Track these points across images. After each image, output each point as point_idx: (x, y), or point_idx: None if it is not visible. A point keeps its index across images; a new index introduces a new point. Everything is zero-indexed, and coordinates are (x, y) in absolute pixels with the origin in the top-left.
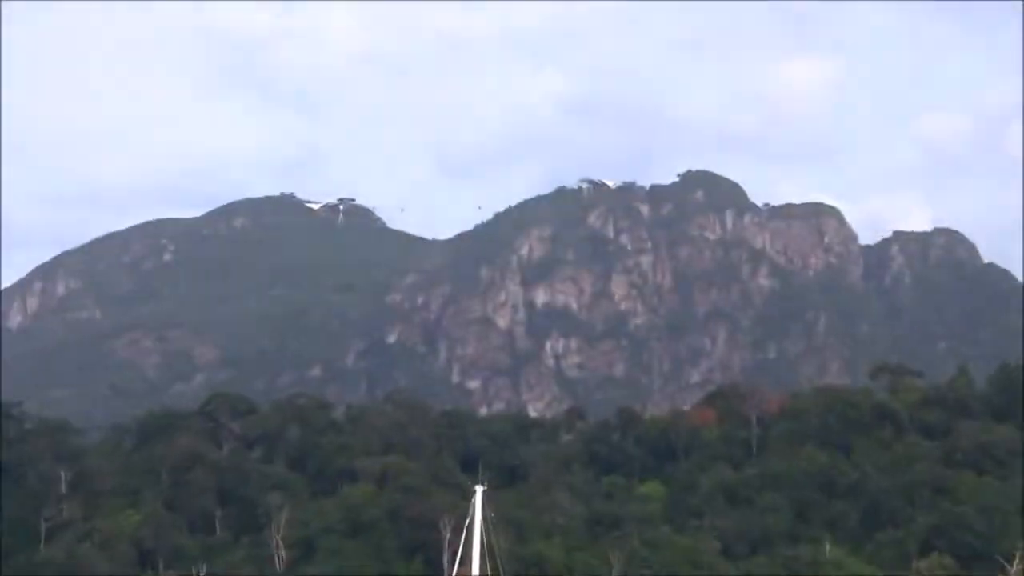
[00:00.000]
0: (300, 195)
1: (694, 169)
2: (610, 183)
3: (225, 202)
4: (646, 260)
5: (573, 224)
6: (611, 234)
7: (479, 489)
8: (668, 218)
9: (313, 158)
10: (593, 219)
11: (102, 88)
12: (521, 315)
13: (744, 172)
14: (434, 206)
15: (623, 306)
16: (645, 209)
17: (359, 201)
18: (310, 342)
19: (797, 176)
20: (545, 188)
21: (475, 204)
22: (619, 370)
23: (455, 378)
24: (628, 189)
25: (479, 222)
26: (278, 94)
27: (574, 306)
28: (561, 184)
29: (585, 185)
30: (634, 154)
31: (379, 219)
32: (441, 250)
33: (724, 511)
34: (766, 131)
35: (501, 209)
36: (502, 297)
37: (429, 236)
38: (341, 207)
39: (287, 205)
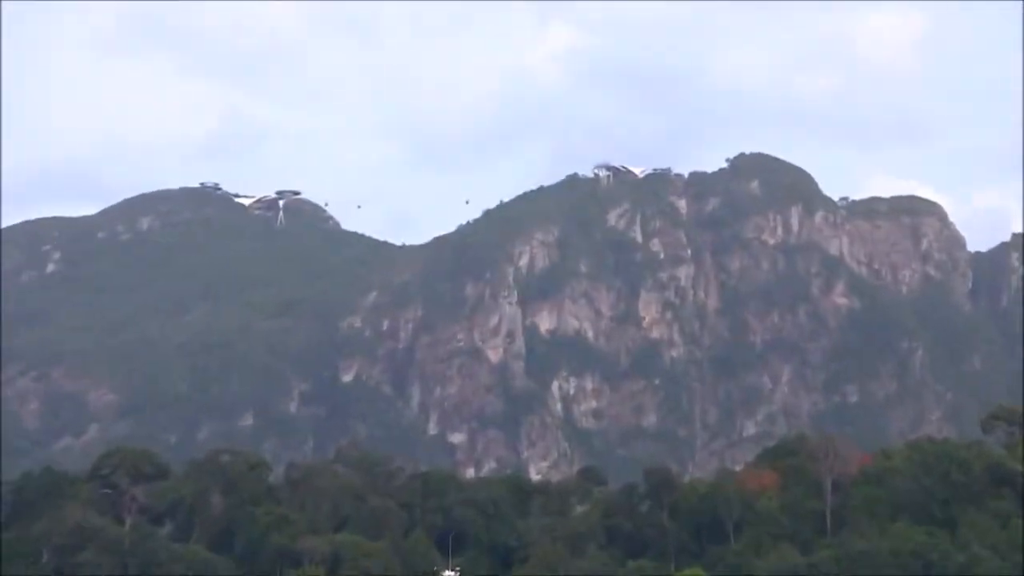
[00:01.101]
0: (228, 187)
1: (748, 152)
2: (636, 170)
3: (127, 196)
4: (685, 272)
5: (588, 225)
6: (638, 237)
7: None
8: (714, 216)
9: (246, 140)
10: (614, 218)
11: None
12: (519, 345)
13: (814, 155)
14: (405, 202)
15: (654, 333)
16: (683, 204)
17: (305, 195)
18: (239, 381)
19: (885, 161)
20: (550, 177)
21: (459, 199)
22: (649, 419)
23: (432, 429)
24: (661, 178)
25: (463, 222)
26: (200, 58)
27: (589, 333)
28: (572, 172)
29: (603, 173)
30: (668, 132)
31: (331, 218)
32: (413, 259)
33: None
34: (842, 102)
35: (492, 205)
36: (494, 321)
37: (397, 241)
38: (281, 203)
39: (210, 200)
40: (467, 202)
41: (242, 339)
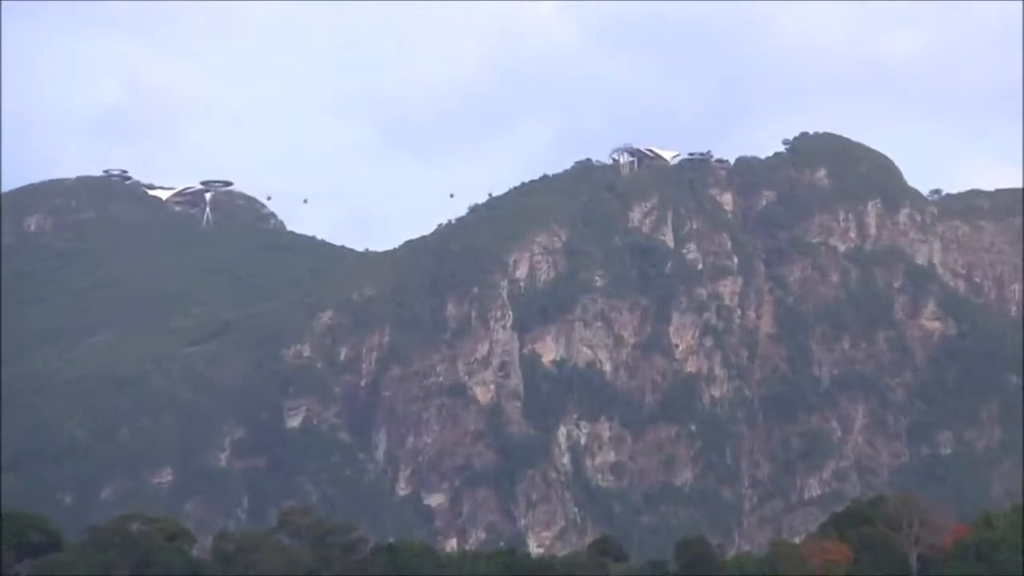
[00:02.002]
0: (139, 176)
1: (812, 132)
2: (667, 155)
3: (9, 187)
4: (730, 287)
5: (604, 225)
6: (669, 241)
7: None
8: (767, 215)
9: (161, 115)
10: (638, 217)
11: None
12: (515, 381)
13: (898, 137)
14: (368, 196)
15: (690, 366)
16: (727, 199)
17: (239, 187)
18: (154, 426)
19: (989, 145)
20: (556, 165)
21: (439, 192)
22: (683, 476)
23: (403, 488)
24: (699, 165)
25: (444, 222)
26: (98, 9)
27: (606, 366)
28: (583, 157)
29: (624, 159)
30: (708, 105)
31: (273, 217)
32: (379, 269)
33: None
34: (935, 70)
35: (481, 200)
36: (483, 350)
37: (359, 246)
38: (208, 196)
39: (116, 192)
40: (451, 196)
41: (157, 372)
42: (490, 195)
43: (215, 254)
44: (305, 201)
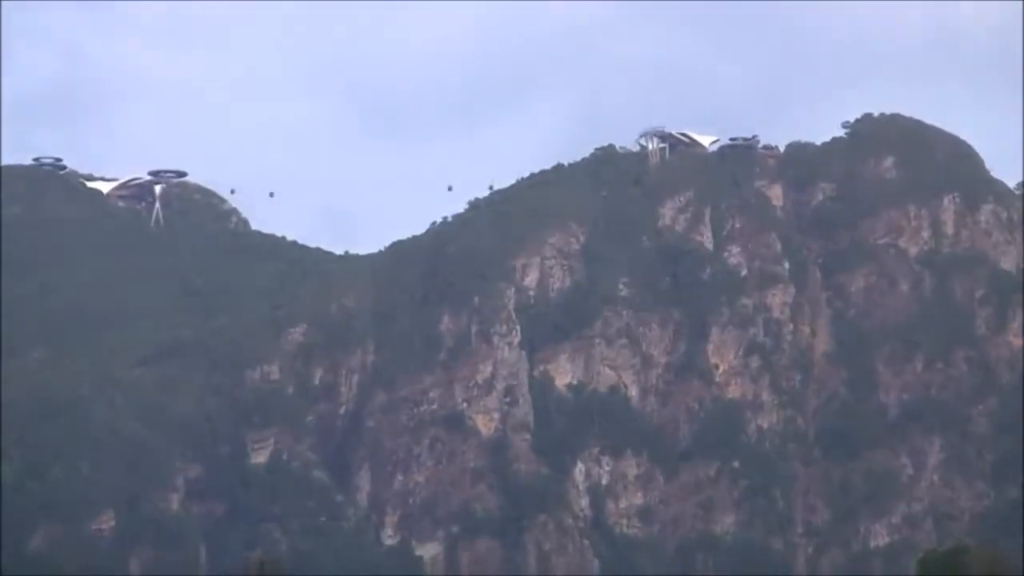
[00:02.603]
0: (75, 165)
1: (877, 113)
2: (705, 140)
3: None
4: (779, 297)
5: (630, 224)
6: (707, 243)
7: None
8: (824, 212)
9: (100, 94)
10: (670, 214)
11: None
12: (524, 409)
13: (980, 119)
14: (348, 190)
15: (732, 391)
16: (777, 193)
17: (194, 178)
18: (94, 463)
19: None
20: (572, 152)
21: (433, 185)
22: (724, 521)
23: (389, 537)
24: (742, 153)
25: (438, 220)
26: None
27: (632, 391)
28: (605, 143)
29: (654, 144)
30: (753, 81)
31: (235, 214)
32: (361, 277)
33: None
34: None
35: (483, 193)
36: (485, 372)
37: (337, 248)
38: (159, 189)
39: (49, 184)
40: (449, 189)
41: (99, 400)
42: (491, 188)
43: (166, 258)
44: (271, 195)
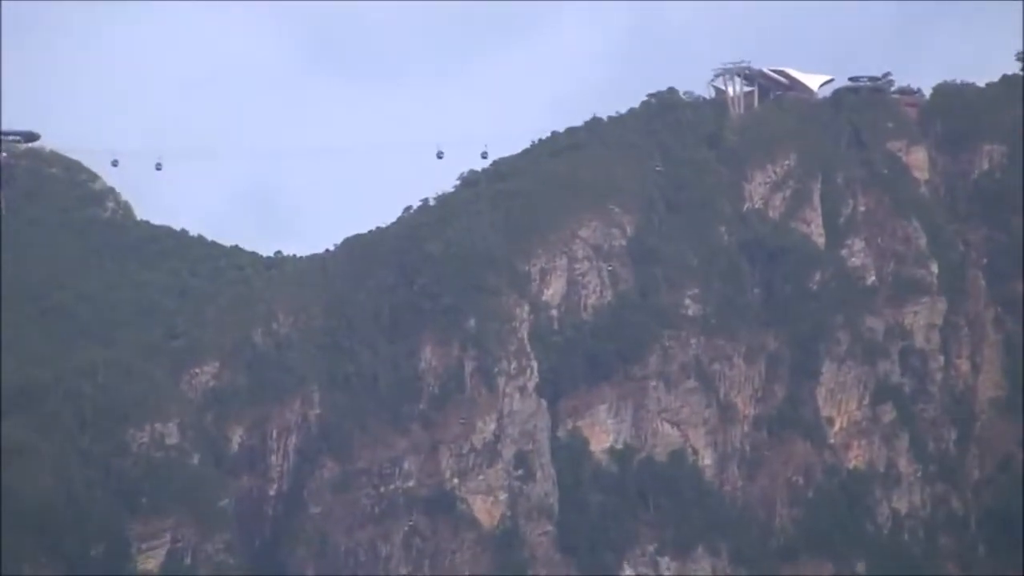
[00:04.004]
0: None
1: None
2: (811, 81)
3: None
4: (925, 315)
5: (699, 205)
6: (815, 234)
7: None
8: (992, 185)
9: None
10: (761, 190)
11: None
12: (544, 486)
13: None
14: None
15: (855, 457)
16: (920, 158)
17: (50, 142)
18: None
19: None
20: (614, 98)
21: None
22: None
23: None
24: (868, 98)
25: (414, 205)
26: None
27: (706, 459)
28: (663, 86)
29: (735, 88)
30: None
31: (110, 195)
32: (302, 289)
33: None
34: None
35: (482, 164)
36: (486, 430)
37: (265, 247)
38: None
39: None
40: (439, 156)
41: None
42: (485, 154)
43: (8, 262)
44: (159, 166)
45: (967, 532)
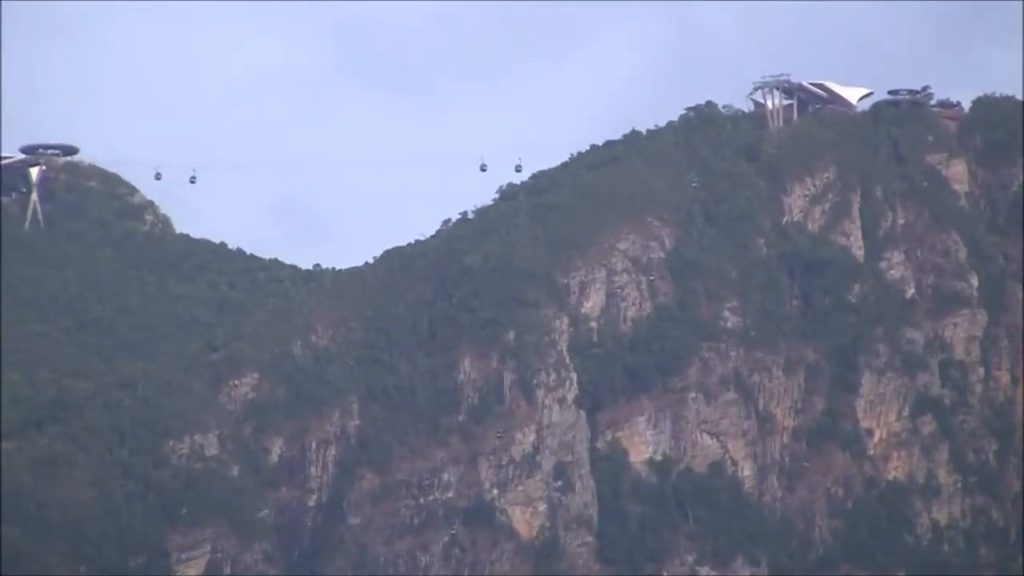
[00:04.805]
0: None
1: None
2: (850, 94)
3: None
4: (965, 327)
5: (738, 219)
6: (855, 247)
7: None
8: None
9: None
10: (800, 203)
11: None
12: (583, 497)
13: None
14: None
15: (895, 468)
16: (959, 171)
17: (88, 156)
18: None
19: None
20: (653, 111)
21: (447, 164)
22: None
23: None
24: (907, 112)
25: (452, 218)
26: None
27: (745, 470)
28: (702, 100)
29: (774, 101)
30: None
31: (150, 208)
32: (341, 301)
33: None
34: None
35: (521, 177)
36: (525, 442)
37: (305, 260)
38: (35, 173)
39: None
40: (483, 168)
41: None
42: (519, 168)
43: (47, 276)
44: (193, 179)
45: (1007, 543)
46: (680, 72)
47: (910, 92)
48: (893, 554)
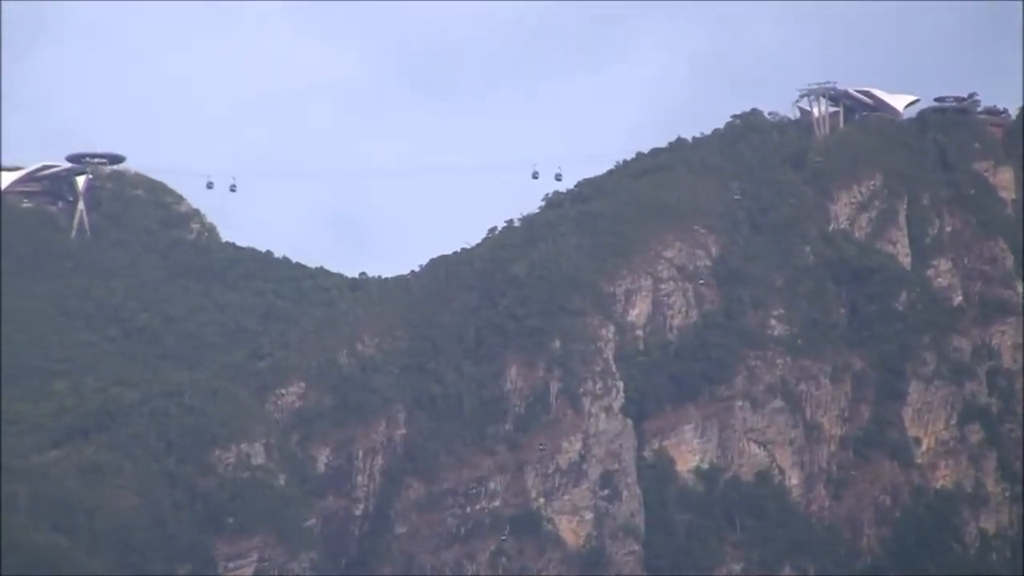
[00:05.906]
0: None
1: None
2: (896, 101)
3: None
4: (1011, 335)
5: (784, 227)
6: (902, 254)
7: None
8: None
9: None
10: (846, 210)
11: None
12: (630, 506)
13: None
14: (364, 184)
15: (942, 477)
16: (1006, 178)
17: (134, 164)
18: None
19: None
20: (697, 119)
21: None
22: None
23: None
24: (954, 120)
25: (498, 226)
26: None
27: (792, 478)
28: (747, 107)
29: (820, 108)
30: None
31: (196, 216)
32: (387, 310)
33: None
34: None
35: (567, 185)
36: (572, 450)
37: (350, 268)
38: (83, 182)
39: None
40: (535, 176)
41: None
42: (559, 176)
43: (93, 285)
44: (233, 187)
45: None
46: (725, 80)
47: (956, 99)
48: (941, 563)
